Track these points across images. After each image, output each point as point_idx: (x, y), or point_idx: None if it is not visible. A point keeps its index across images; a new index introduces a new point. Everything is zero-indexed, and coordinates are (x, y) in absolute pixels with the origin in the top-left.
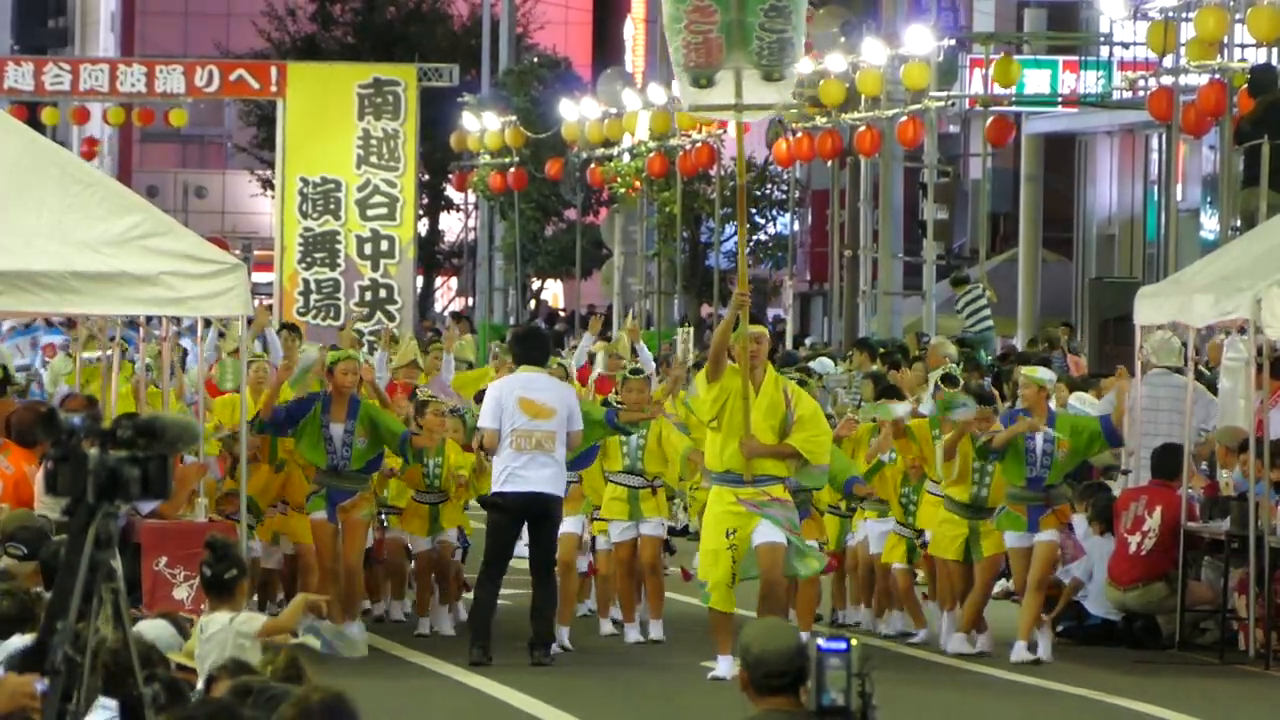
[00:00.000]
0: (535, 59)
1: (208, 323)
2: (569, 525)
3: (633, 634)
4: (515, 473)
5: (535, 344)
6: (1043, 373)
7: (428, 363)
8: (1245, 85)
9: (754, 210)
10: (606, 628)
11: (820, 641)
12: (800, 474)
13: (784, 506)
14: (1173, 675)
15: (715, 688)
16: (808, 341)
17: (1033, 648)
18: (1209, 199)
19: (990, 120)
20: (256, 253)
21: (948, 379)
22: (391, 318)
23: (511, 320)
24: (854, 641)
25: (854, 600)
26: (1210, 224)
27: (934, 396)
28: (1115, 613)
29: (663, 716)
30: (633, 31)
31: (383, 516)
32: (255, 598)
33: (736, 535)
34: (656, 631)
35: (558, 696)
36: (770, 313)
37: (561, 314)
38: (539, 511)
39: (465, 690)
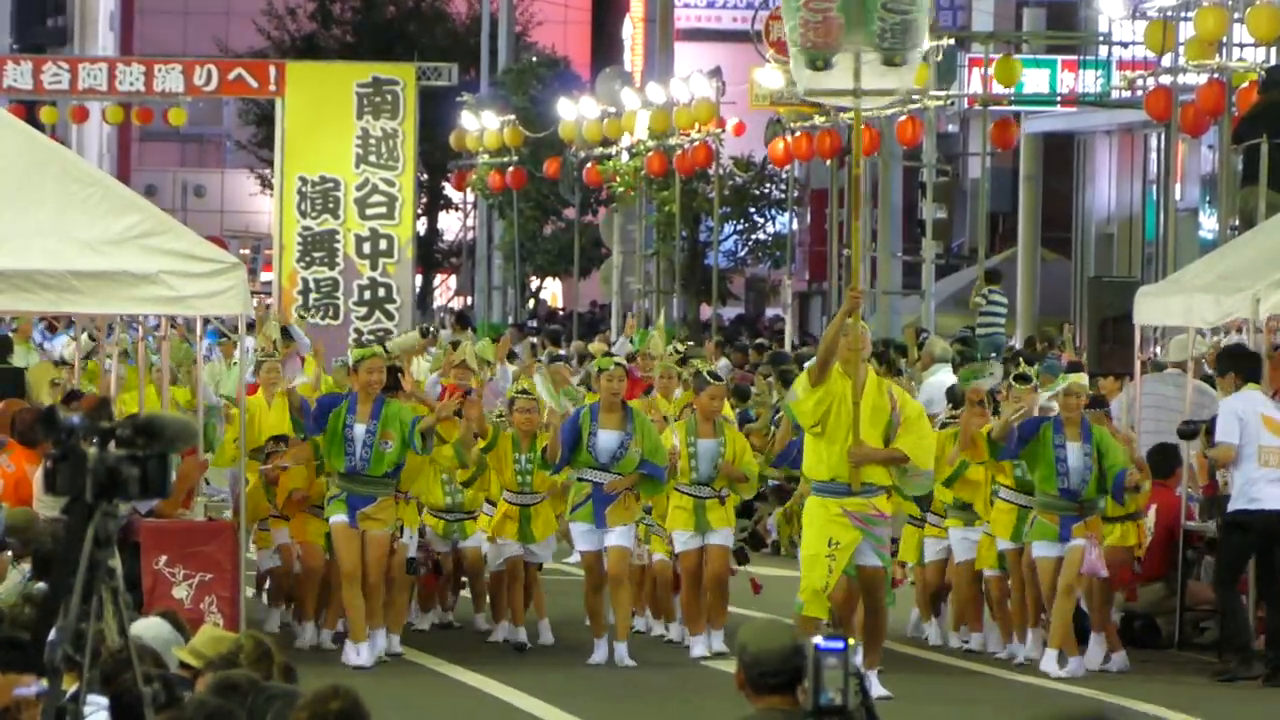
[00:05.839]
0: (534, 58)
1: (206, 321)
2: (620, 538)
3: (699, 648)
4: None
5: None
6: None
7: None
8: (1256, 82)
9: (753, 209)
10: (658, 630)
11: (818, 640)
12: (903, 480)
13: (886, 524)
14: (1172, 675)
15: (715, 687)
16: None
17: (1062, 661)
18: (1208, 198)
19: (993, 123)
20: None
21: (1021, 378)
22: (390, 317)
23: (510, 319)
24: (851, 641)
25: (955, 624)
26: (1209, 223)
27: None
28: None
29: (663, 716)
30: (631, 31)
31: (403, 530)
32: (265, 600)
33: (839, 547)
34: (718, 643)
35: (558, 696)
36: (769, 312)
37: (560, 313)
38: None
39: (465, 690)
